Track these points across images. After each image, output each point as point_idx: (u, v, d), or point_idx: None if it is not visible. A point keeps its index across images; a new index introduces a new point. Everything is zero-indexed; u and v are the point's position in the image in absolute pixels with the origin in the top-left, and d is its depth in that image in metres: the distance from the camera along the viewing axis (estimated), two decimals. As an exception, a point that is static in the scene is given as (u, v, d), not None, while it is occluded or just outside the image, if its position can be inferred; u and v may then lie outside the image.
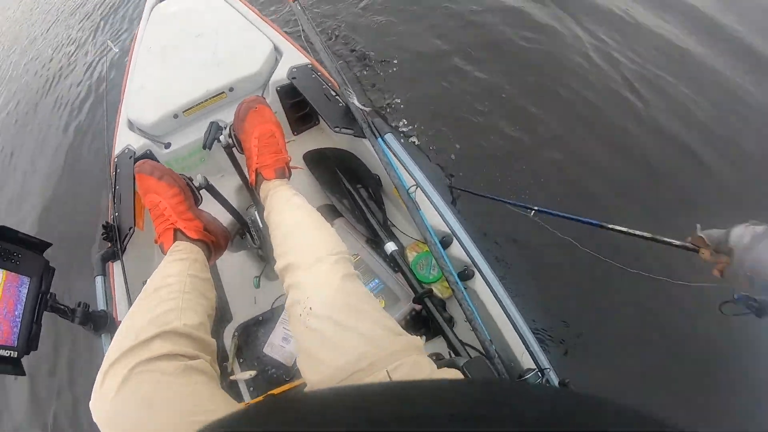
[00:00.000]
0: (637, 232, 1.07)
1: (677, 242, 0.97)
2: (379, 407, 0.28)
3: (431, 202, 1.30)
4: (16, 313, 0.96)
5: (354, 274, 0.88)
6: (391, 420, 0.25)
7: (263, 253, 1.59)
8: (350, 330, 0.74)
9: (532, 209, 1.31)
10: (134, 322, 0.82)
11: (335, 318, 0.76)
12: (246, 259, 1.66)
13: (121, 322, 0.86)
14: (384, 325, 0.77)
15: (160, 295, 0.90)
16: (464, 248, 1.26)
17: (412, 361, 0.71)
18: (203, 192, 1.25)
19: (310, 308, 0.80)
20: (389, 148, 1.35)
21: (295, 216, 1.06)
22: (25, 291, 1.01)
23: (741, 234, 0.81)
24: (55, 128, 3.30)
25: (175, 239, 1.12)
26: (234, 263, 1.64)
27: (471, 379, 0.86)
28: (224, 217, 1.41)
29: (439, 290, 1.34)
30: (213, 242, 1.22)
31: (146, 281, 0.96)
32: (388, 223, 1.54)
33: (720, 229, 0.87)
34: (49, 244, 1.12)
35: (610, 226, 1.13)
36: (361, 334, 0.73)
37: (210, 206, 1.29)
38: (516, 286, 1.51)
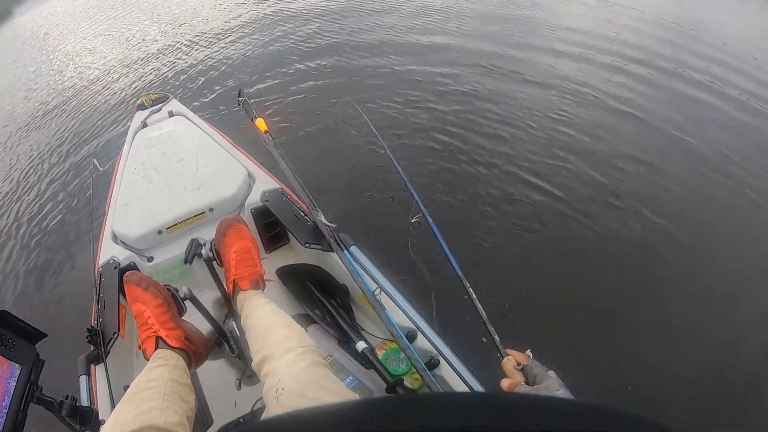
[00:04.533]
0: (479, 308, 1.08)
1: (497, 340, 0.98)
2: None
3: (395, 302, 1.48)
4: (3, 403, 0.97)
5: (322, 362, 1.01)
6: None
7: (242, 359, 1.66)
8: (322, 402, 0.87)
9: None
10: (118, 420, 0.91)
11: (308, 394, 0.88)
12: (224, 365, 1.70)
13: (104, 421, 0.93)
14: (351, 399, 0.90)
15: (142, 396, 0.98)
16: (429, 340, 1.41)
17: None
18: (186, 303, 1.36)
19: (283, 388, 0.91)
20: (354, 259, 1.56)
21: (268, 318, 1.21)
22: (14, 382, 1.02)
23: (554, 383, 0.80)
24: (38, 230, 3.47)
25: (157, 347, 1.20)
26: (213, 369, 1.68)
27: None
28: (204, 327, 1.49)
29: (409, 382, 1.44)
30: (193, 351, 1.30)
31: (128, 386, 1.04)
32: (357, 326, 1.68)
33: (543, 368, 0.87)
34: (44, 335, 1.15)
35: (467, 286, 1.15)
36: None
37: (191, 316, 1.39)
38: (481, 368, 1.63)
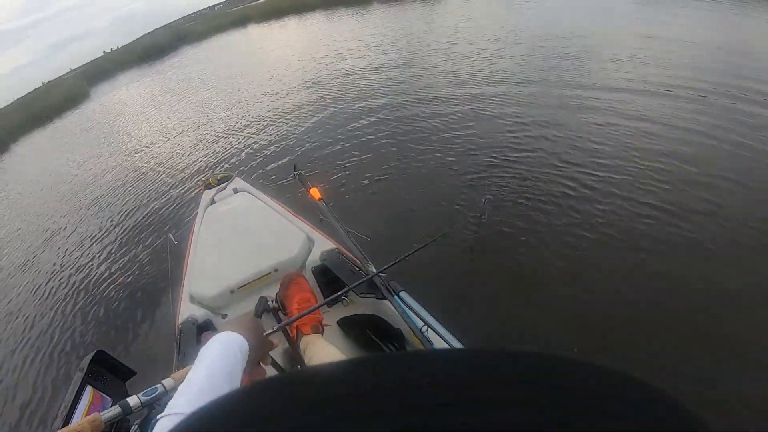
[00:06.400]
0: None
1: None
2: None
3: (441, 337, 1.61)
4: None
5: None
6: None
7: None
8: None
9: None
10: None
11: None
12: None
13: None
14: None
15: None
16: None
17: None
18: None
19: None
20: (403, 302, 1.72)
21: (328, 358, 1.37)
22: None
23: None
24: (127, 296, 3.99)
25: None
26: None
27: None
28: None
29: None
30: None
31: None
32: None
33: None
34: (134, 373, 1.29)
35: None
36: None
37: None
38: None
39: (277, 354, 1.68)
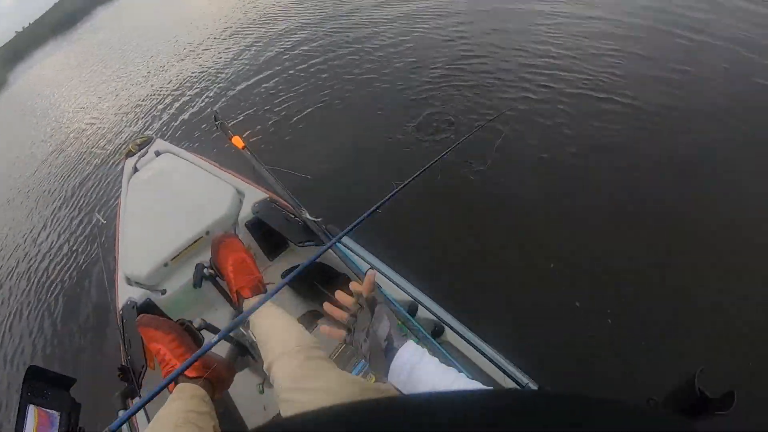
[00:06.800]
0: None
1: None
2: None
3: (390, 279, 1.50)
4: None
5: (317, 356, 1.05)
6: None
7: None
8: (318, 390, 0.91)
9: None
10: None
11: (302, 386, 0.93)
12: (249, 374, 1.75)
13: None
14: (348, 379, 0.93)
15: None
16: (429, 310, 1.44)
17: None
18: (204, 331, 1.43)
19: (280, 386, 0.97)
20: (345, 246, 1.59)
21: (270, 324, 1.25)
22: (56, 430, 1.09)
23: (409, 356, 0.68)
24: (58, 289, 3.63)
25: (176, 381, 1.25)
26: (240, 380, 1.72)
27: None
28: (226, 346, 1.56)
29: (421, 353, 1.47)
30: (214, 377, 1.35)
31: None
32: (363, 310, 1.71)
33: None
34: (73, 380, 1.23)
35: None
36: (327, 390, 0.90)
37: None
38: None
39: (221, 321, 1.53)
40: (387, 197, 1.00)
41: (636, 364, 1.83)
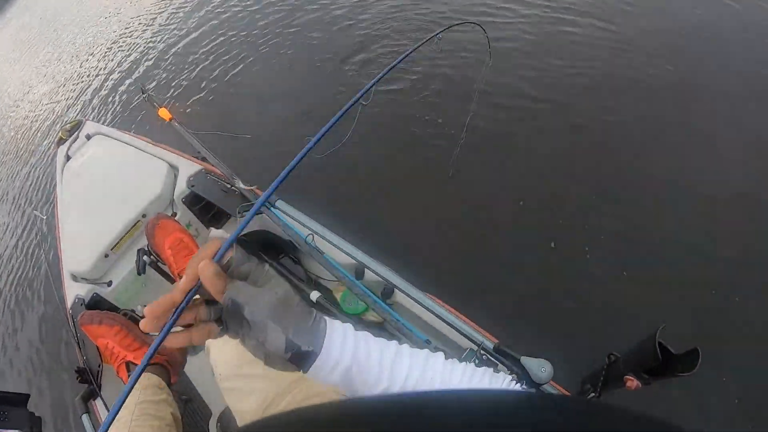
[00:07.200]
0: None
1: None
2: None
3: (332, 244, 1.42)
4: None
5: None
6: None
7: None
8: (256, 376, 0.86)
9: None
10: None
11: (242, 372, 0.89)
12: (204, 356, 1.70)
13: None
14: None
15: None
16: (376, 273, 1.37)
17: (308, 385, 0.83)
18: None
19: (220, 374, 0.93)
20: (282, 211, 1.48)
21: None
22: None
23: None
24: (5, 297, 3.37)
25: (128, 370, 1.25)
26: (197, 364, 1.69)
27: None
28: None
29: (373, 316, 1.41)
30: (166, 361, 1.31)
31: None
32: (312, 276, 1.63)
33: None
34: (27, 396, 1.17)
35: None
36: (265, 376, 0.85)
37: None
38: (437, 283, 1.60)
39: None
40: (303, 152, 0.89)
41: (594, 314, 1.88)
